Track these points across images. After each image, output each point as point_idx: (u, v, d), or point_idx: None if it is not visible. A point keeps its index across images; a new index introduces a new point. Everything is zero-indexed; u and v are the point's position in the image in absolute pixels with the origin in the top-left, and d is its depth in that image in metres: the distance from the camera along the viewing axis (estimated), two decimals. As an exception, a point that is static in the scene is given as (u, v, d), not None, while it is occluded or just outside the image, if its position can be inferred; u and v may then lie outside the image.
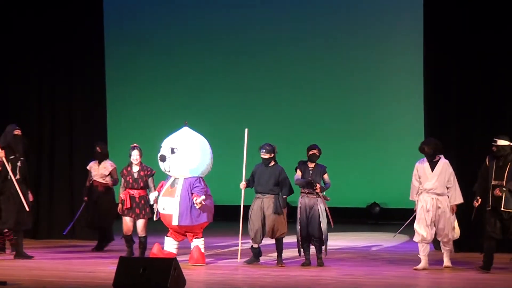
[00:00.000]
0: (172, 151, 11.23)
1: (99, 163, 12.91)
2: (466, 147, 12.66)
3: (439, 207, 11.00)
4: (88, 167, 13.06)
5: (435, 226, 11.01)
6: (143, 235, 11.71)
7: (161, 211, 11.38)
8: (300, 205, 11.32)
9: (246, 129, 11.49)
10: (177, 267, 8.84)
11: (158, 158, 11.27)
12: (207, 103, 17.28)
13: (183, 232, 11.41)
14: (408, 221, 11.47)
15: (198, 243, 11.38)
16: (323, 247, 11.23)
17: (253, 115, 16.74)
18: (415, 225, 11.08)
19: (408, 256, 11.94)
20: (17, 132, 11.92)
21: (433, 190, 11.00)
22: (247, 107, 17.05)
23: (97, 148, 13.00)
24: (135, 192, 11.66)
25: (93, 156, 13.06)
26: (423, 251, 11.07)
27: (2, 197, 11.75)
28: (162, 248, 11.39)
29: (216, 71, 17.36)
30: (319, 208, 11.20)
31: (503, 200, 10.70)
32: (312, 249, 11.39)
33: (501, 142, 10.85)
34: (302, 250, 11.33)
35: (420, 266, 11.06)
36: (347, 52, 16.77)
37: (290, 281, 10.30)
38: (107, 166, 12.87)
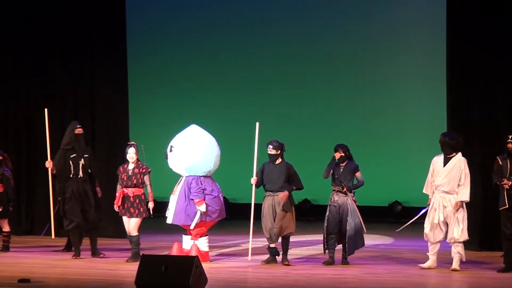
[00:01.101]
0: (171, 149, 11.31)
1: None
2: (490, 146, 12.56)
3: (445, 206, 10.82)
4: None
5: (446, 225, 10.86)
6: (135, 234, 11.50)
7: (169, 209, 11.48)
8: (330, 202, 11.29)
9: (257, 123, 11.43)
10: (198, 265, 8.85)
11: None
12: (220, 100, 17.27)
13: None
14: (417, 216, 11.35)
15: (198, 242, 11.33)
16: (347, 245, 11.17)
17: (268, 112, 16.71)
18: (424, 223, 11.01)
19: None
20: (78, 131, 12.01)
21: (441, 187, 10.84)
22: (260, 104, 17.01)
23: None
24: (129, 191, 11.51)
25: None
26: (431, 250, 10.96)
27: (66, 197, 11.84)
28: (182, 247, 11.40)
29: (233, 65, 17.29)
30: (348, 206, 11.16)
31: None
32: (339, 247, 11.36)
33: None
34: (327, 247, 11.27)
35: (426, 264, 10.95)
36: (367, 48, 16.64)
37: (311, 280, 10.29)
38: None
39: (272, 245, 11.38)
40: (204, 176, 11.38)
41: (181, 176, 11.49)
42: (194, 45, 17.38)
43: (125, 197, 11.53)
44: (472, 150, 12.50)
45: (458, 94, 13.02)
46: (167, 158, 11.35)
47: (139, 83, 16.48)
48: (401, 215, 16.51)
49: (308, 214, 16.34)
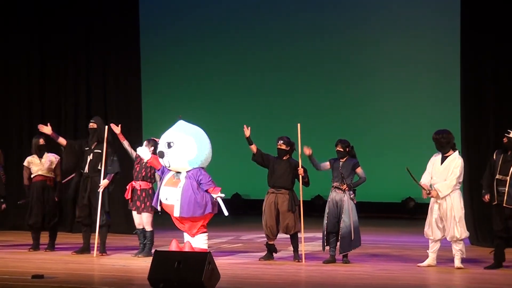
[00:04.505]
0: (169, 146, 10.91)
1: (40, 157, 12.25)
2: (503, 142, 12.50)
3: (441, 204, 10.71)
4: (25, 163, 12.29)
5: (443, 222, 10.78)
6: (149, 229, 11.54)
7: (164, 201, 10.89)
8: (329, 199, 11.22)
9: (299, 124, 11.35)
10: (211, 261, 8.86)
11: (157, 155, 10.99)
12: (234, 97, 17.26)
13: (184, 224, 10.97)
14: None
15: (194, 239, 10.94)
16: (338, 243, 11.05)
17: (285, 110, 16.74)
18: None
19: (444, 251, 11.82)
20: (91, 125, 11.94)
21: (437, 184, 10.74)
22: (275, 103, 17.01)
23: (40, 141, 12.26)
24: (137, 184, 11.54)
25: (31, 151, 12.38)
26: (431, 248, 10.86)
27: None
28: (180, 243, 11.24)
29: (247, 63, 17.35)
30: (344, 204, 11.09)
31: (506, 196, 10.49)
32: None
33: None
34: (326, 245, 11.16)
35: (424, 263, 10.87)
36: (384, 42, 16.66)
37: (324, 275, 10.28)
38: (51, 158, 12.24)
39: (270, 242, 11.36)
40: (203, 168, 11.20)
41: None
42: (209, 42, 17.39)
43: (133, 190, 11.58)
44: (486, 143, 12.49)
45: (471, 90, 12.97)
46: (163, 156, 10.98)
47: (152, 80, 16.53)
48: (414, 211, 16.51)
49: (321, 210, 16.31)
